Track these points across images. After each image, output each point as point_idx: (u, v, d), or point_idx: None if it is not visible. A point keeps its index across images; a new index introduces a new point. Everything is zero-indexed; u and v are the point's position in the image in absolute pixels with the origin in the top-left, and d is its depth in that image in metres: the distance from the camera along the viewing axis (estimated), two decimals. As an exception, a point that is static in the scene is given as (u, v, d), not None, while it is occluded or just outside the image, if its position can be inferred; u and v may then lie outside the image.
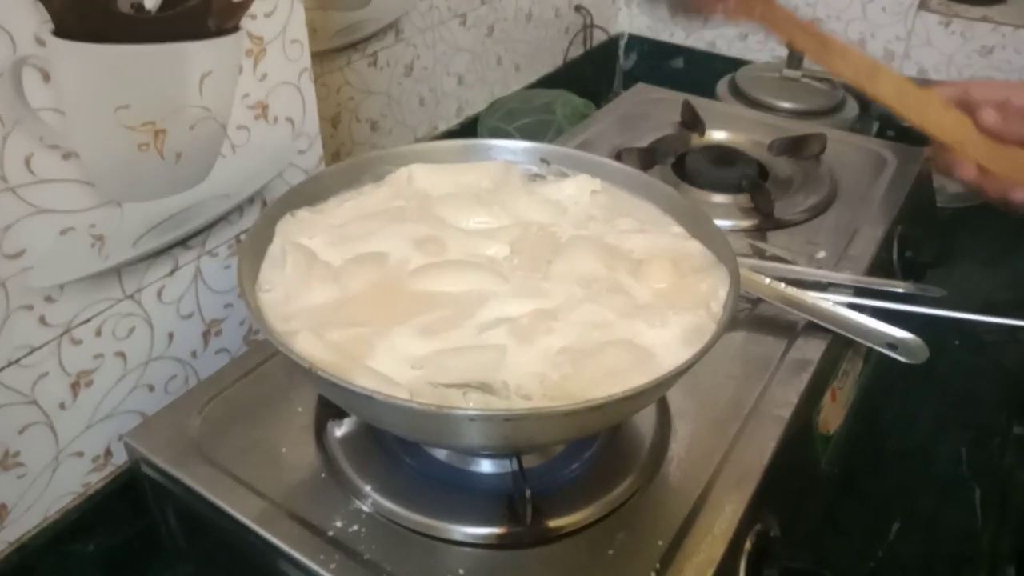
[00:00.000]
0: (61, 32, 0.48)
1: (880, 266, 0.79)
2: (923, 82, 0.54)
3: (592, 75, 1.36)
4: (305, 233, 0.55)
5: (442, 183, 0.61)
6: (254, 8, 0.58)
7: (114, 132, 0.53)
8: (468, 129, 1.08)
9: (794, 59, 1.13)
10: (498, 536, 0.50)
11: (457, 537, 0.50)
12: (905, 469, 0.77)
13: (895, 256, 0.83)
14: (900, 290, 0.73)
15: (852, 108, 1.10)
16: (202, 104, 0.57)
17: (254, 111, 0.62)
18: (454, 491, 0.52)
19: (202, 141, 0.59)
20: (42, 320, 0.52)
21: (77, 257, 0.53)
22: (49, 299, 0.52)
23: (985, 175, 0.58)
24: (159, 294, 0.60)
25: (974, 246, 1.05)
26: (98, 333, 0.57)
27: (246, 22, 0.58)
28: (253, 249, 0.53)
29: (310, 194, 0.58)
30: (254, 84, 0.61)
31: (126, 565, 0.63)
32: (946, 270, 0.97)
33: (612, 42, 1.39)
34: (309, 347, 0.46)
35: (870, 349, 0.68)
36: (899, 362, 0.63)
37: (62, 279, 0.53)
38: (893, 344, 0.64)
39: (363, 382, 0.43)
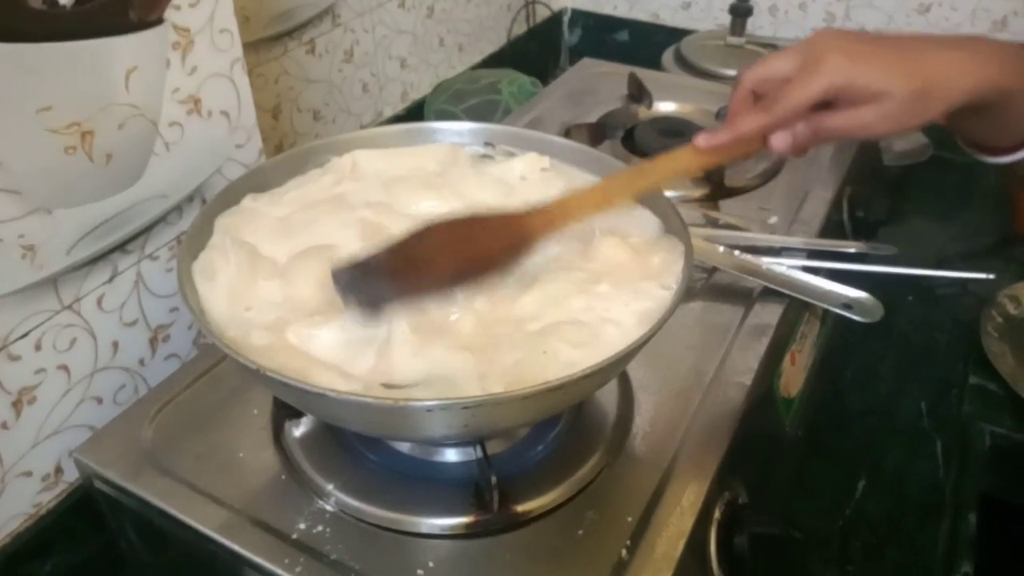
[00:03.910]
0: (-32, 32, 0.45)
1: (832, 227, 0.79)
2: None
3: (537, 52, 1.34)
4: (247, 228, 0.53)
5: (388, 168, 0.60)
6: (178, -2, 0.56)
7: (37, 136, 0.50)
8: (415, 113, 1.06)
9: (737, 26, 1.12)
10: (466, 525, 0.49)
11: (424, 530, 0.49)
12: (868, 426, 0.78)
13: (846, 216, 0.84)
14: (853, 250, 0.74)
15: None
16: (130, 102, 0.55)
17: (186, 106, 0.59)
18: (419, 483, 0.52)
19: (133, 140, 0.56)
20: (-26, 338, 0.50)
21: (7, 269, 0.51)
22: (-21, 315, 0.50)
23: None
24: (99, 302, 0.58)
25: (922, 202, 1.07)
26: (37, 347, 0.54)
27: (170, 13, 0.56)
28: (193, 250, 0.51)
29: (250, 188, 0.56)
30: (184, 78, 0.58)
31: (87, 583, 0.61)
32: (896, 227, 0.98)
33: (555, 18, 1.38)
34: (258, 348, 0.45)
35: (827, 311, 0.69)
36: (856, 322, 0.64)
37: (-8, 293, 0.50)
38: (848, 304, 0.65)
39: (316, 380, 0.42)
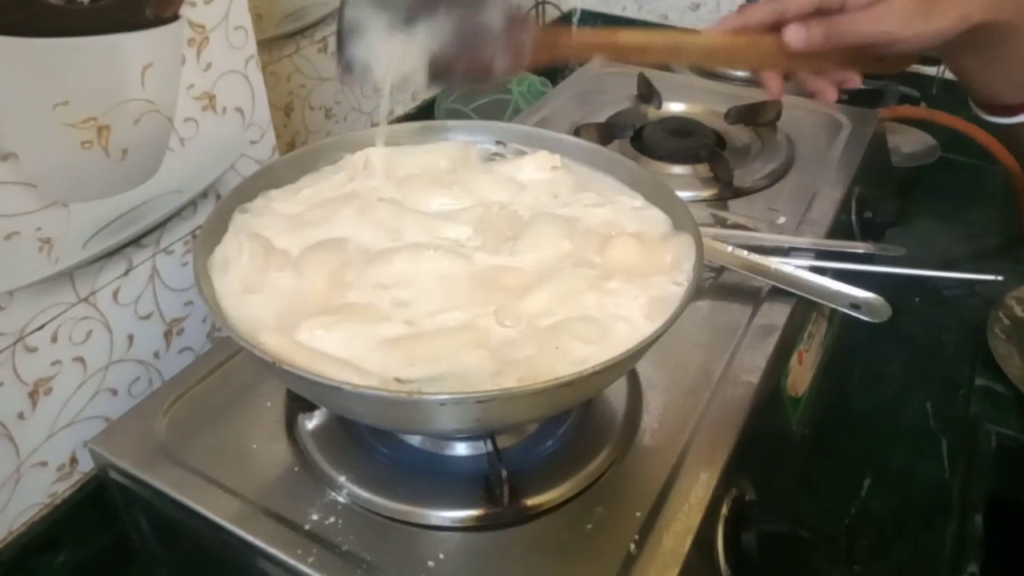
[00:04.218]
0: (-14, 27, 0.46)
1: (840, 228, 0.80)
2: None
3: (547, 52, 1.35)
4: (261, 222, 0.54)
5: (400, 165, 0.60)
6: (194, -5, 0.57)
7: (54, 131, 0.51)
8: (425, 112, 1.06)
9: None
10: (476, 518, 0.49)
11: (435, 522, 0.49)
12: (874, 426, 0.79)
13: (854, 217, 0.84)
14: (860, 251, 0.74)
15: (805, 73, 1.11)
16: (145, 97, 0.56)
17: (201, 102, 0.60)
18: (430, 476, 0.52)
19: (148, 136, 0.57)
20: (-8, 329, 0.51)
21: (25, 262, 0.52)
22: (-2, 307, 0.51)
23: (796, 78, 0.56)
24: (115, 295, 0.58)
25: (930, 204, 1.07)
26: (54, 339, 0.55)
27: (186, 10, 0.57)
28: (208, 244, 0.51)
29: (264, 184, 0.57)
30: (199, 74, 0.59)
31: (98, 575, 0.61)
32: (904, 229, 0.99)
33: (565, 18, 1.38)
34: (272, 340, 0.45)
35: (834, 310, 0.69)
36: (863, 322, 0.64)
37: (10, 285, 0.51)
38: (856, 304, 0.65)
39: (330, 373, 0.42)
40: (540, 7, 1.30)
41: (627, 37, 0.52)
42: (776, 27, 0.50)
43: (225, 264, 0.50)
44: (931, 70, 1.14)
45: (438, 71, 0.49)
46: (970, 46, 0.47)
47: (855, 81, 0.53)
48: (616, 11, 1.37)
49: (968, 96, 0.56)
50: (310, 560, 0.47)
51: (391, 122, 0.99)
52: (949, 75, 1.08)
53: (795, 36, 0.49)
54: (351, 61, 0.49)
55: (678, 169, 0.85)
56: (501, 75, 0.51)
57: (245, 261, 0.49)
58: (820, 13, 0.48)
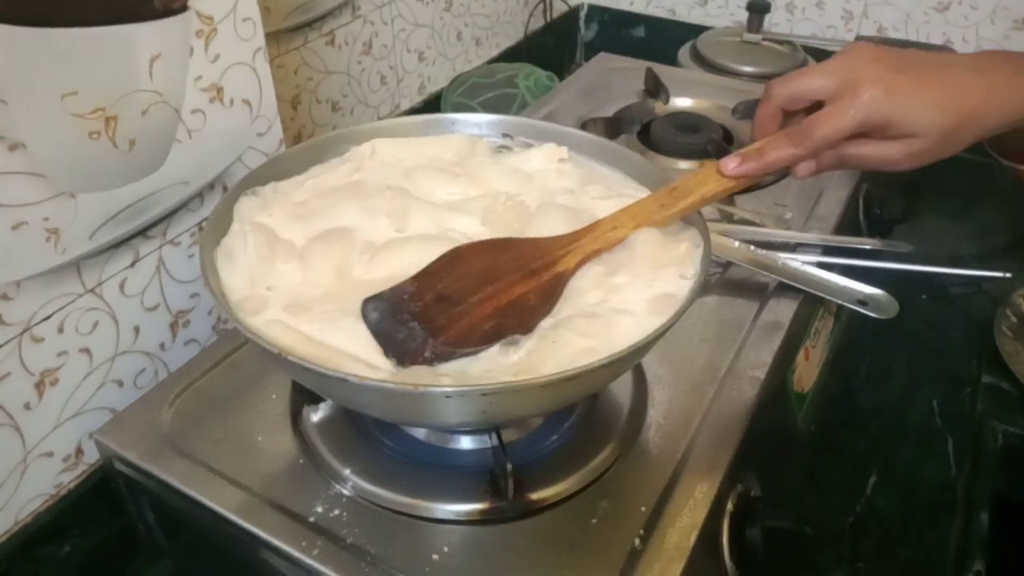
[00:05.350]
0: (-3, 17, 0.46)
1: (847, 224, 0.79)
2: (882, 40, 0.52)
3: (554, 47, 1.34)
4: (266, 212, 0.53)
5: (407, 156, 0.60)
6: (202, -13, 0.57)
7: (62, 120, 0.51)
8: (431, 106, 1.06)
9: (754, 23, 1.12)
10: (481, 512, 0.50)
11: (440, 515, 0.50)
12: (880, 423, 0.78)
13: (861, 214, 0.84)
14: (868, 247, 0.74)
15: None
16: (153, 88, 0.56)
17: (208, 94, 0.60)
18: (435, 469, 0.52)
19: (156, 127, 0.57)
20: (-1, 319, 0.51)
21: (32, 252, 0.52)
22: (5, 297, 0.51)
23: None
24: (121, 287, 0.58)
25: (938, 201, 1.07)
26: (60, 330, 0.55)
27: (194, 1, 0.56)
28: (215, 236, 0.51)
29: (271, 176, 0.57)
30: (206, 66, 0.59)
31: (104, 566, 0.62)
32: (912, 225, 0.98)
33: (572, 13, 1.38)
34: (278, 332, 0.45)
35: (841, 307, 0.69)
36: (870, 318, 0.64)
37: (17, 275, 0.51)
38: (863, 301, 0.65)
39: (334, 364, 0.42)
40: (547, 2, 1.29)
41: (648, 212, 0.50)
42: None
43: (230, 255, 0.50)
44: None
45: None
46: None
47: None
48: (624, 6, 1.36)
49: (985, 144, 0.56)
50: (315, 552, 0.47)
51: (398, 116, 1.00)
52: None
53: (806, 171, 0.49)
54: None
55: (685, 164, 0.85)
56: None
57: (251, 252, 0.49)
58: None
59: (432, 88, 1.07)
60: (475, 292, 0.46)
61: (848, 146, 0.47)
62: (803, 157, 0.48)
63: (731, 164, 0.49)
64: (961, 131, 0.45)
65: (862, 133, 0.46)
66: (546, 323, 0.47)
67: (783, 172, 0.83)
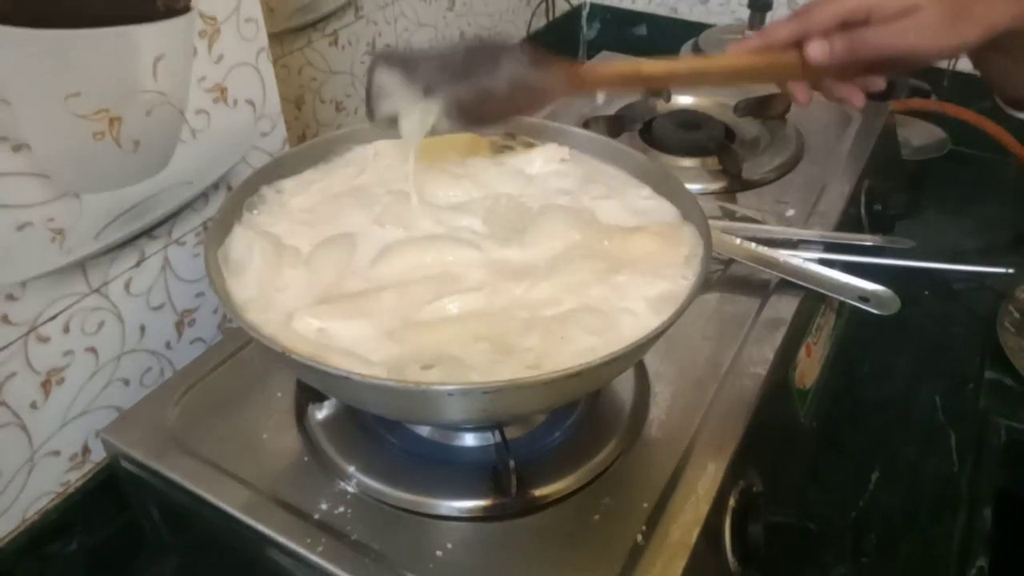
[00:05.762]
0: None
1: (849, 221, 0.79)
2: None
3: (556, 46, 1.33)
4: (271, 218, 0.54)
5: (409, 158, 0.60)
6: (205, -12, 0.57)
7: (66, 121, 0.51)
8: (433, 105, 1.06)
9: (755, 20, 1.12)
10: (484, 508, 0.50)
11: (443, 512, 0.50)
12: (882, 419, 0.78)
13: (863, 210, 0.84)
14: (870, 243, 0.74)
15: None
16: (157, 89, 0.56)
17: (212, 94, 0.60)
18: (438, 466, 0.52)
19: (160, 127, 0.57)
20: (5, 319, 0.51)
21: (37, 252, 0.52)
22: (11, 297, 0.51)
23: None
24: (127, 286, 0.59)
25: (940, 196, 1.07)
26: (66, 329, 0.55)
27: (197, 2, 0.57)
28: (219, 236, 0.52)
29: (274, 177, 0.57)
30: (210, 66, 0.59)
31: (110, 563, 0.62)
32: (914, 221, 0.98)
33: (574, 12, 1.38)
34: (283, 331, 0.45)
35: (843, 303, 0.69)
36: (872, 314, 0.64)
37: (23, 276, 0.52)
38: (865, 297, 0.65)
39: (338, 363, 0.42)
40: (549, 1, 1.29)
41: (651, 67, 0.52)
42: (798, 43, 0.50)
43: (238, 267, 0.50)
44: (942, 63, 1.13)
45: (463, 121, 0.50)
46: (996, 48, 0.47)
47: (879, 84, 0.53)
48: (626, 4, 1.36)
49: (992, 90, 0.56)
50: (319, 549, 0.48)
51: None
52: (960, 68, 1.07)
53: (819, 52, 0.48)
54: (380, 117, 0.51)
55: (687, 162, 0.85)
56: (527, 115, 0.52)
57: (257, 261, 0.50)
58: (844, 27, 0.48)
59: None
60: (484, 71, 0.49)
61: (857, 32, 0.47)
62: (806, 32, 0.49)
63: (736, 46, 0.51)
64: (964, 14, 0.46)
65: (866, 22, 0.47)
66: (550, 312, 0.47)
67: (788, 166, 0.83)
